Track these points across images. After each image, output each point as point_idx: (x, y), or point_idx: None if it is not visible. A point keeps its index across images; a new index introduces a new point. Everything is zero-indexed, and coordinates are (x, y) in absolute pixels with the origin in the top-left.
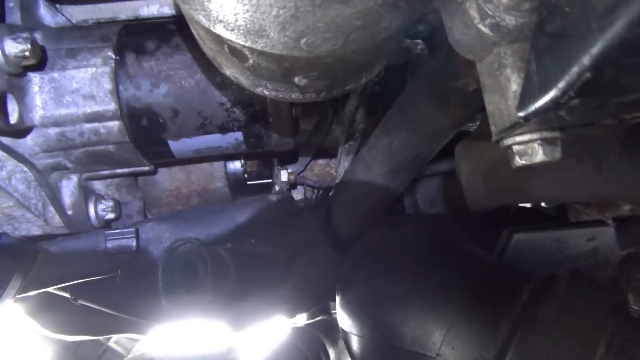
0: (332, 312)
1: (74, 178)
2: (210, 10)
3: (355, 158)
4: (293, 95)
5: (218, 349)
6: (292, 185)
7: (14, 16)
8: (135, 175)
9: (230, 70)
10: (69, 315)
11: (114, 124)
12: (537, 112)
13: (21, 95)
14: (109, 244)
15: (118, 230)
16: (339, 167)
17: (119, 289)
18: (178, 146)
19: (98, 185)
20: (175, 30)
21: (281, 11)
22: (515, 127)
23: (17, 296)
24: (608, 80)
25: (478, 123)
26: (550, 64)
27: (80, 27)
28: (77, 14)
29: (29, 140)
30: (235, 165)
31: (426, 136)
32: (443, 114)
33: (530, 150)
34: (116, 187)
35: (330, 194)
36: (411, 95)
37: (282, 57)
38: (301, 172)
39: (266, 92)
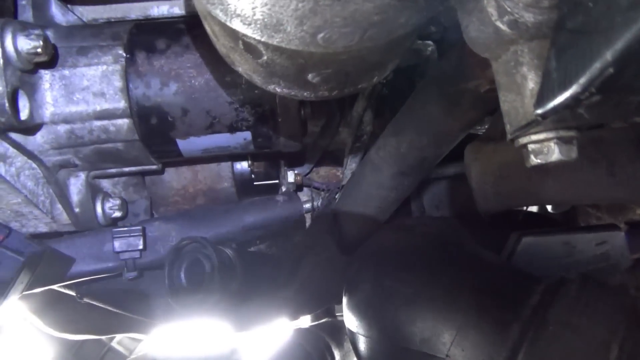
0: (337, 314)
1: (82, 176)
2: (228, 4)
3: (363, 160)
4: (305, 93)
5: (221, 350)
6: (299, 186)
7: (26, 14)
8: (143, 174)
9: (243, 68)
10: (73, 314)
11: (124, 122)
12: (555, 109)
13: (32, 91)
14: (116, 242)
15: (125, 229)
16: (346, 169)
17: (125, 288)
18: (186, 145)
19: (105, 184)
20: (185, 30)
21: (300, 4)
22: (531, 125)
23: (24, 292)
24: (631, 76)
25: (486, 126)
26: (570, 61)
27: (92, 26)
28: (88, 13)
29: (39, 137)
30: (243, 165)
31: (435, 138)
32: (453, 115)
33: (545, 149)
34: (123, 186)
35: (337, 195)
36: (421, 96)
37: (297, 53)
38: (307, 173)
39: (278, 90)
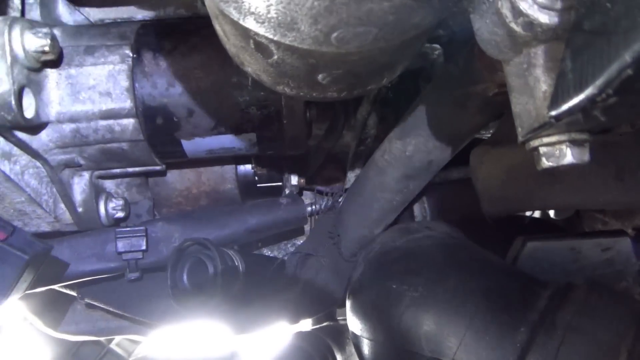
0: (339, 318)
1: (86, 175)
2: (243, 2)
3: (368, 162)
4: (314, 94)
5: (221, 352)
6: (302, 189)
7: (34, 12)
8: (146, 174)
9: (252, 68)
10: (73, 315)
11: (129, 122)
12: (570, 110)
13: (38, 90)
14: (119, 243)
15: (128, 229)
16: (349, 172)
17: (127, 288)
18: (191, 146)
19: (108, 184)
20: (192, 31)
21: (316, 3)
22: (544, 127)
23: (26, 291)
24: None
25: (492, 131)
26: (587, 62)
27: (99, 25)
28: (95, 13)
29: (44, 135)
30: (246, 167)
31: (442, 142)
32: (460, 119)
33: (557, 152)
34: (126, 186)
35: (340, 198)
36: (428, 99)
37: (309, 53)
38: (310, 176)
39: (287, 90)
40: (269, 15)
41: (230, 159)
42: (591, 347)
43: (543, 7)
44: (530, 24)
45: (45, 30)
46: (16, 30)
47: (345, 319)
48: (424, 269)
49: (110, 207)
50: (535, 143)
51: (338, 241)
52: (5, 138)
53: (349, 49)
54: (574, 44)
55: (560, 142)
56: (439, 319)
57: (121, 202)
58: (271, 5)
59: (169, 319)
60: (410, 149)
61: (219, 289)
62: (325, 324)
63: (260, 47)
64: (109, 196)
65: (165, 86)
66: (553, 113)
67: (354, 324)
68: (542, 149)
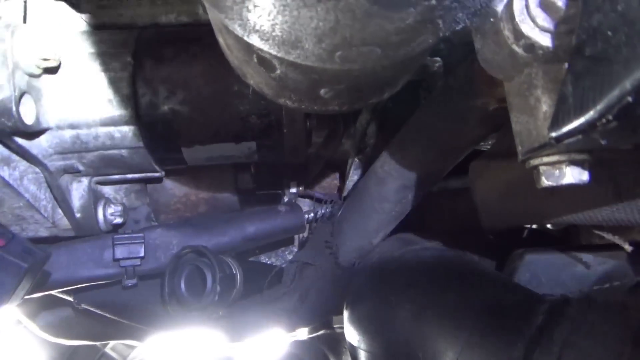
0: (335, 326)
1: (85, 181)
2: (248, 20)
3: (367, 172)
4: (315, 107)
5: (216, 359)
6: (300, 197)
7: (35, 20)
8: (145, 181)
9: (255, 80)
10: (69, 319)
11: (129, 129)
12: (570, 133)
13: (39, 96)
14: (117, 249)
15: (126, 235)
16: (348, 180)
17: (123, 295)
18: (191, 153)
19: (107, 190)
20: (193, 39)
21: (321, 23)
22: (544, 147)
23: (25, 297)
24: None
25: (490, 142)
26: (588, 86)
27: (100, 32)
28: (97, 19)
29: (44, 141)
30: (245, 174)
31: (441, 153)
32: (460, 131)
33: (557, 171)
34: (125, 192)
35: (338, 207)
36: (428, 111)
37: (312, 69)
38: (309, 184)
39: (289, 103)
40: (273, 33)
41: (229, 166)
42: None
43: (544, 30)
44: (531, 46)
45: (46, 37)
46: (18, 37)
47: (341, 327)
48: (423, 281)
49: (109, 213)
50: (535, 162)
51: (336, 250)
52: (5, 144)
53: (352, 66)
54: (575, 69)
55: (560, 162)
56: (436, 333)
57: (120, 208)
58: (276, 24)
59: (165, 325)
60: (410, 160)
61: (216, 297)
62: (321, 332)
63: (264, 61)
64: (108, 202)
65: (166, 94)
66: (554, 134)
67: (352, 334)
68: (542, 168)
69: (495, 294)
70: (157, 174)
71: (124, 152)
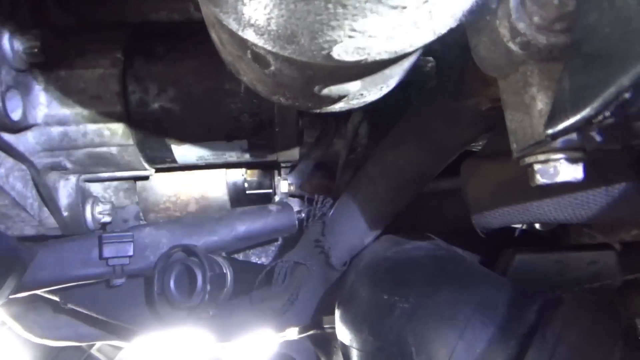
0: (325, 326)
1: (72, 179)
2: (243, 14)
3: (359, 172)
4: (310, 105)
5: (203, 359)
6: (291, 196)
7: (24, 14)
8: (134, 179)
9: (248, 77)
10: (55, 320)
11: (119, 126)
12: (566, 129)
13: (26, 92)
14: (105, 248)
15: (115, 234)
16: (339, 180)
17: (110, 294)
18: (182, 152)
19: (95, 187)
20: (185, 36)
21: (318, 17)
22: (539, 144)
23: (10, 297)
24: None
25: (483, 142)
26: (584, 83)
27: (90, 28)
28: (87, 15)
29: (30, 138)
30: (236, 173)
31: (433, 153)
32: (452, 131)
33: (552, 169)
34: (114, 191)
35: (329, 206)
36: (420, 112)
37: (307, 65)
38: (300, 184)
39: (282, 100)
40: (268, 28)
41: (220, 165)
42: None
43: (540, 27)
44: (527, 43)
45: (35, 31)
46: (5, 32)
47: (331, 327)
48: (415, 280)
49: (97, 212)
50: (530, 160)
51: (328, 250)
52: None
53: (349, 63)
54: (571, 66)
55: (555, 160)
56: (430, 331)
57: (108, 206)
58: (272, 18)
59: (153, 325)
60: (402, 160)
61: (206, 296)
62: (311, 332)
63: (258, 57)
64: (96, 200)
65: (157, 91)
66: (549, 131)
67: (344, 334)
68: (537, 166)
69: (488, 292)
70: (147, 172)
71: (113, 149)
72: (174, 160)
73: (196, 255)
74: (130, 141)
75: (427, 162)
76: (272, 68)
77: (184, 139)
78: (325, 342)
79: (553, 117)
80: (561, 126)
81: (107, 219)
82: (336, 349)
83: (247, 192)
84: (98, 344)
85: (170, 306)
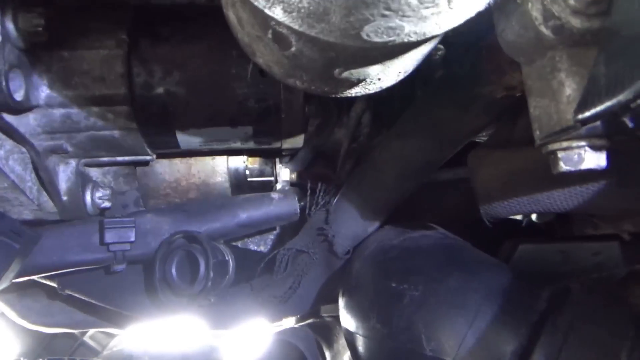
0: (323, 314)
1: (73, 163)
2: None
3: (365, 160)
4: (326, 89)
5: (200, 347)
6: (292, 184)
7: None
8: (135, 164)
9: (265, 59)
10: (49, 306)
11: (123, 109)
12: (599, 114)
13: (29, 72)
14: (107, 233)
15: (117, 219)
16: (340, 169)
17: (109, 280)
18: (185, 137)
19: (95, 172)
20: (191, 18)
21: None
22: (566, 131)
23: (13, 280)
24: None
25: (489, 133)
26: (622, 67)
27: (94, 8)
28: None
29: (32, 119)
30: (238, 160)
31: (441, 142)
32: (462, 120)
33: (576, 156)
34: (114, 175)
35: (332, 194)
36: (429, 100)
37: (331, 46)
38: (301, 172)
39: (299, 83)
40: (299, 5)
41: (222, 151)
42: (592, 350)
43: (575, 11)
44: (561, 27)
45: (39, 9)
46: (9, 9)
47: (330, 316)
48: (425, 267)
49: (97, 197)
50: (553, 147)
51: (332, 238)
52: None
53: (375, 44)
54: (609, 49)
55: (579, 147)
56: (440, 318)
57: (108, 191)
58: None
59: (153, 312)
60: (409, 149)
61: (209, 283)
62: (310, 320)
63: (279, 37)
64: (96, 185)
65: (162, 74)
66: (580, 117)
67: (349, 321)
68: (560, 153)
69: (498, 281)
70: (148, 158)
71: (115, 133)
72: (177, 145)
73: (199, 242)
74: (134, 125)
75: (434, 151)
76: (293, 49)
77: (188, 123)
78: (326, 329)
79: (585, 101)
80: (594, 111)
81: (106, 204)
82: (337, 337)
83: (249, 179)
84: (91, 331)
85: (172, 293)
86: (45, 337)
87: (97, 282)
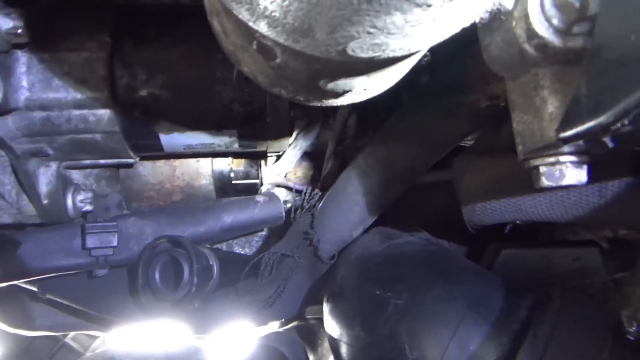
0: (308, 316)
1: (53, 166)
2: (258, 5)
3: (350, 164)
4: (311, 98)
5: (183, 348)
6: (277, 187)
7: None
8: (118, 166)
9: (249, 68)
10: (30, 310)
11: (105, 113)
12: (580, 135)
13: (8, 74)
14: (89, 238)
15: (100, 224)
16: (325, 171)
17: (90, 285)
18: (169, 140)
19: (76, 175)
20: (176, 20)
21: (339, 12)
22: (548, 148)
23: None
24: None
25: (474, 138)
26: (604, 89)
27: (76, 8)
28: None
29: (11, 122)
30: (222, 163)
31: (426, 148)
32: (447, 127)
33: (557, 172)
34: (95, 178)
35: (318, 198)
36: (415, 106)
37: (316, 59)
38: (286, 174)
39: (284, 93)
40: (284, 20)
41: (207, 154)
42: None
43: (558, 30)
44: (544, 46)
45: (19, 11)
46: None
47: (314, 318)
48: (408, 275)
49: (78, 200)
50: (536, 162)
51: (317, 243)
52: None
53: (361, 59)
54: (590, 70)
55: (560, 163)
56: (423, 328)
57: (90, 194)
58: (289, 10)
59: (135, 316)
60: (394, 154)
61: (193, 288)
62: (294, 323)
63: (264, 49)
64: (77, 188)
65: (145, 77)
66: (562, 135)
67: (333, 328)
68: (543, 169)
69: (481, 289)
70: (131, 160)
71: (97, 136)
72: (161, 149)
73: (183, 246)
74: (116, 128)
75: (419, 157)
76: (278, 60)
77: (172, 127)
78: (310, 333)
79: (567, 121)
80: (575, 131)
81: (88, 207)
82: (321, 341)
83: (233, 182)
84: (73, 332)
85: (155, 298)
86: (26, 339)
87: (79, 287)
